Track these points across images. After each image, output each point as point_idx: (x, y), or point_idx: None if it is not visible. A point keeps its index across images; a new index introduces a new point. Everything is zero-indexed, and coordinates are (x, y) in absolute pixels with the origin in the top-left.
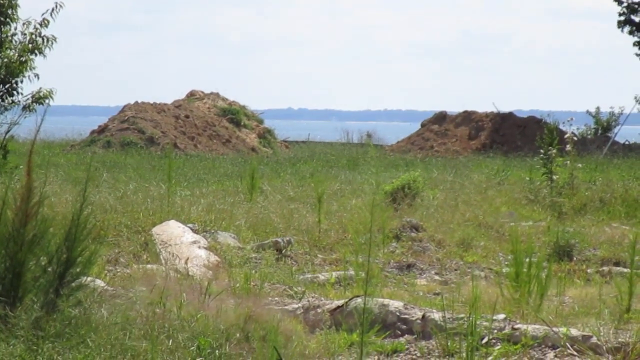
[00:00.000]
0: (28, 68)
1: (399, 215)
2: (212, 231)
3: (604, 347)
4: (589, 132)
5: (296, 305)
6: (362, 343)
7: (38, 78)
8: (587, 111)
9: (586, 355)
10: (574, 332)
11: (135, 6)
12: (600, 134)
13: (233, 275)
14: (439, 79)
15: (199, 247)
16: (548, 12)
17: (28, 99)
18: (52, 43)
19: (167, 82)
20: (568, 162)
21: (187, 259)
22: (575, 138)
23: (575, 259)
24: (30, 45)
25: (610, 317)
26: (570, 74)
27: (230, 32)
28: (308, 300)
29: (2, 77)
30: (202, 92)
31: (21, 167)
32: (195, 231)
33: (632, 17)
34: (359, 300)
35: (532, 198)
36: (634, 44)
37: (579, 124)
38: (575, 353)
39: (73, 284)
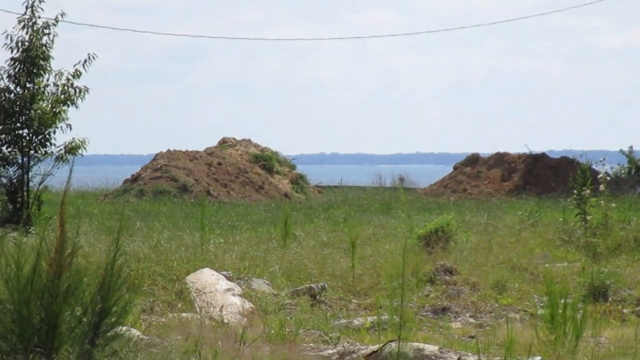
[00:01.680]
0: (61, 119)
1: (432, 258)
2: (246, 278)
3: None
4: (622, 171)
5: (331, 351)
6: None
7: (70, 129)
8: (621, 150)
9: None
10: None
11: (166, 55)
12: (634, 173)
13: (268, 322)
14: (470, 121)
15: (234, 295)
16: (578, 49)
17: (61, 149)
18: (84, 94)
19: (198, 130)
20: (602, 202)
21: (222, 306)
22: (609, 178)
23: (610, 299)
24: (62, 97)
25: None
26: (603, 113)
27: (260, 79)
28: (343, 346)
29: (35, 128)
30: (234, 139)
31: (55, 217)
32: (229, 278)
33: None
34: (394, 344)
35: (566, 239)
36: None
37: (612, 163)
38: None
39: (108, 334)
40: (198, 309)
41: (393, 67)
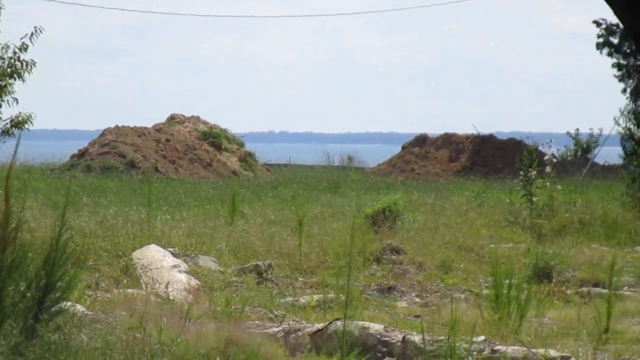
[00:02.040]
0: (7, 92)
1: (379, 238)
2: (193, 255)
3: None
4: (568, 153)
5: (277, 329)
6: None
7: (17, 102)
8: (567, 133)
9: None
10: (552, 353)
11: (115, 31)
12: (580, 156)
13: (214, 299)
14: (419, 102)
15: (180, 271)
16: (528, 34)
17: (7, 123)
18: (32, 67)
19: (147, 106)
20: (548, 184)
21: (168, 283)
22: (555, 160)
23: (554, 280)
24: (9, 70)
25: (589, 338)
26: (550, 96)
27: (211, 56)
28: (289, 324)
29: None
30: (183, 115)
31: (0, 192)
32: (175, 255)
33: (611, 39)
34: (339, 323)
35: (512, 220)
36: (613, 66)
37: (558, 146)
38: None
39: (52, 309)
40: (144, 286)
41: (344, 47)
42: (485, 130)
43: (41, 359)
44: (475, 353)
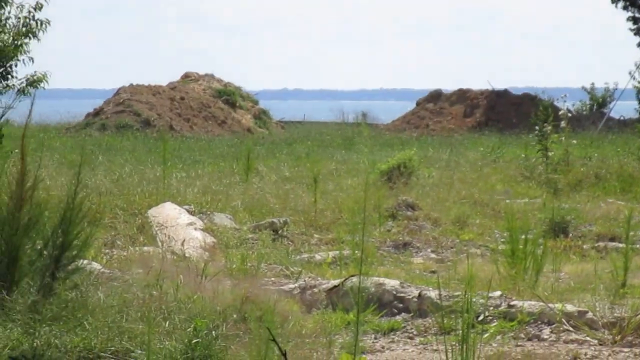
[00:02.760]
0: (22, 52)
1: (394, 194)
2: (208, 213)
3: (600, 323)
4: (584, 108)
5: (293, 286)
6: (359, 322)
7: (33, 62)
8: (582, 87)
9: (582, 331)
10: (569, 308)
11: None
12: (595, 110)
13: (229, 256)
14: (434, 57)
15: (195, 229)
16: None
17: (23, 82)
18: (46, 26)
19: (161, 64)
20: (563, 138)
21: (184, 240)
22: (570, 114)
23: (571, 235)
24: (24, 29)
25: (605, 293)
26: (565, 50)
27: (226, 13)
28: (304, 281)
29: None
30: (197, 73)
31: (16, 151)
32: (191, 213)
33: None
34: (355, 279)
35: (528, 175)
36: (628, 19)
37: (574, 100)
38: (571, 329)
39: (69, 267)
40: (159, 243)
41: (358, 2)
42: (500, 85)
43: (58, 317)
44: (491, 308)
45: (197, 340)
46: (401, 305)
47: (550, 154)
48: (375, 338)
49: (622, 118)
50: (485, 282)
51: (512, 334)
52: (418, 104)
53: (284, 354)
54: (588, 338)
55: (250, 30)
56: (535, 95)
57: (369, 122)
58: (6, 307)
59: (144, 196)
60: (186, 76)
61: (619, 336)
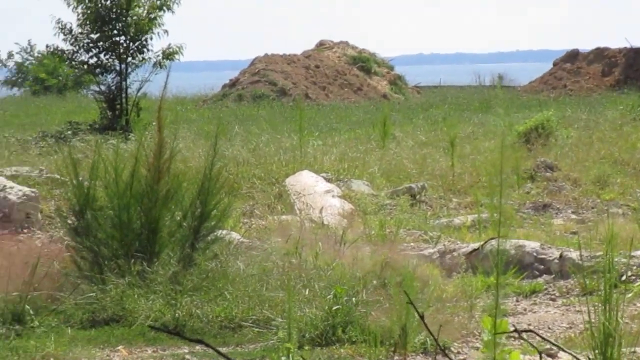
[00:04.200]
0: (157, 25)
1: (533, 155)
2: (346, 180)
3: None
4: None
5: (432, 250)
6: (499, 285)
7: (167, 34)
8: None
9: None
10: None
11: None
12: None
13: (368, 222)
14: (571, 17)
15: (333, 196)
16: None
17: (158, 55)
18: None
19: (296, 34)
20: None
21: (322, 208)
22: None
23: None
24: (158, 2)
25: None
26: None
27: None
28: (444, 245)
29: (132, 34)
30: (331, 41)
31: (153, 124)
32: (328, 180)
33: None
34: (494, 242)
35: None
36: None
37: None
38: None
39: (208, 238)
40: (298, 211)
41: None
42: (638, 43)
43: (199, 287)
44: (634, 267)
45: (338, 307)
46: (542, 267)
47: None
48: (517, 301)
49: None
50: (627, 242)
51: None
52: (555, 64)
53: (421, 317)
54: None
55: None
56: None
57: (505, 84)
58: (147, 279)
59: (281, 165)
60: (321, 44)
61: None
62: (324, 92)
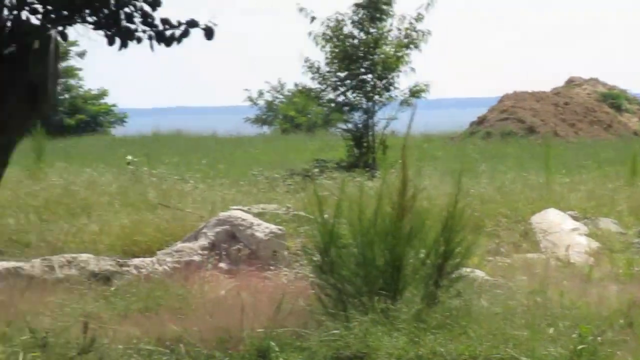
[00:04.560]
0: (404, 62)
1: None
2: (593, 218)
3: None
4: None
5: None
6: None
7: (414, 72)
8: None
9: None
10: None
11: None
12: None
13: (615, 261)
14: None
15: (579, 234)
16: None
17: (405, 93)
18: (427, 37)
19: (544, 71)
20: None
21: (568, 246)
22: None
23: None
24: (405, 40)
25: None
26: None
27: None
28: None
29: (379, 72)
30: (581, 78)
31: (399, 161)
32: (575, 218)
33: None
34: None
35: None
36: None
37: None
38: None
39: (452, 275)
40: (543, 250)
41: None
42: None
43: (442, 325)
44: None
45: (583, 346)
46: None
47: None
48: None
49: None
50: None
51: None
52: None
53: None
54: None
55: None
56: None
57: None
58: (391, 316)
59: (527, 203)
60: (570, 81)
61: None
62: (573, 130)
